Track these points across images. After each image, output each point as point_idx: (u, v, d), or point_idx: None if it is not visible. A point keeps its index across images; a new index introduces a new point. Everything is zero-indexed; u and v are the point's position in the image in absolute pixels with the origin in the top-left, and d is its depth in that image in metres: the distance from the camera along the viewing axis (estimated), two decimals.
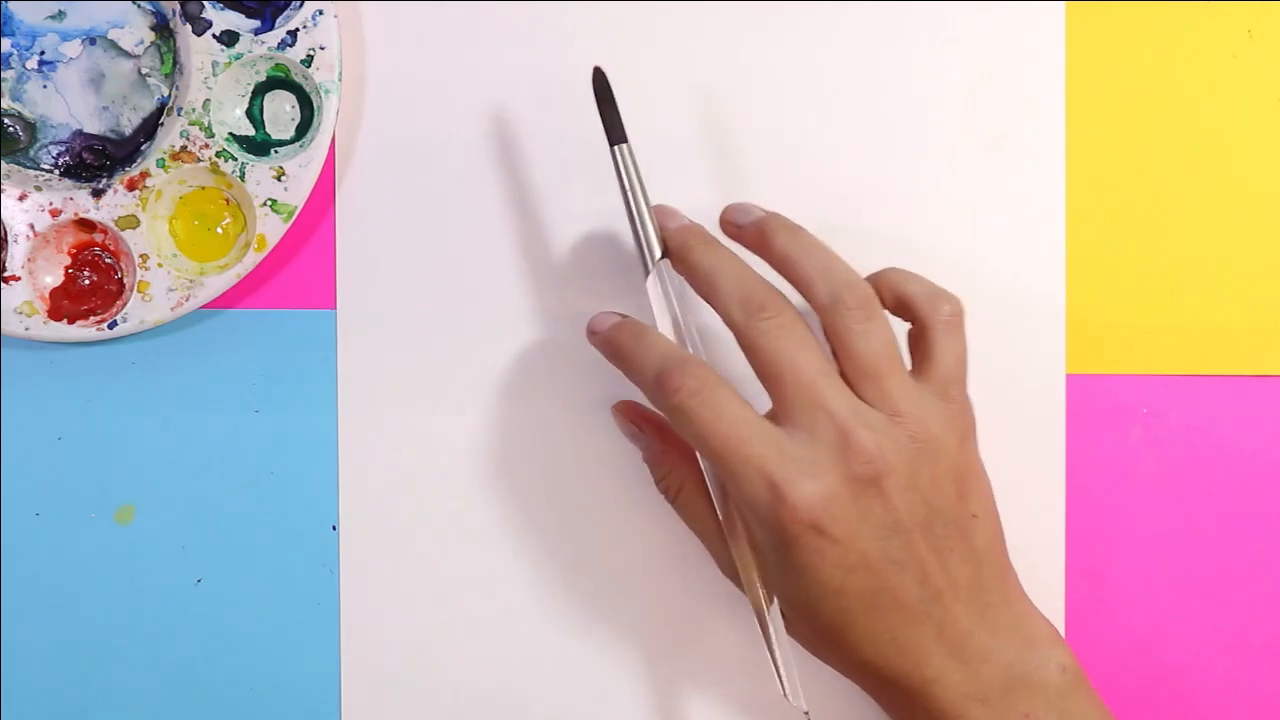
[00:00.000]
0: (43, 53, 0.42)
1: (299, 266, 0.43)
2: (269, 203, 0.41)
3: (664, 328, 0.39)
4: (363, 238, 0.43)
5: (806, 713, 0.38)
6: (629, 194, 0.39)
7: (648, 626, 0.43)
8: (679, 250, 0.39)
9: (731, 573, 0.40)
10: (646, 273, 0.39)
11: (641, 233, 0.39)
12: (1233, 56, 0.43)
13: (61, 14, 0.42)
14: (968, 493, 0.38)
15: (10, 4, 0.42)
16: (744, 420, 0.36)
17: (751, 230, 0.39)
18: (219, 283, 0.41)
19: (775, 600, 0.38)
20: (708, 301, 0.38)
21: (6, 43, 0.42)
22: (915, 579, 0.36)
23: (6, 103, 0.42)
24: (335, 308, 0.43)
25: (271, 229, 0.41)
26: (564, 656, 0.43)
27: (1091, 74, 0.43)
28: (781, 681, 0.38)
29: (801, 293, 0.38)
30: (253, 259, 0.41)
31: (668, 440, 0.41)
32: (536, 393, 0.43)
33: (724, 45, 0.43)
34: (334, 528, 0.43)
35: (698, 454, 0.39)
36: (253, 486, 0.43)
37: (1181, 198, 0.43)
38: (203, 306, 0.42)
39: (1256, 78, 0.43)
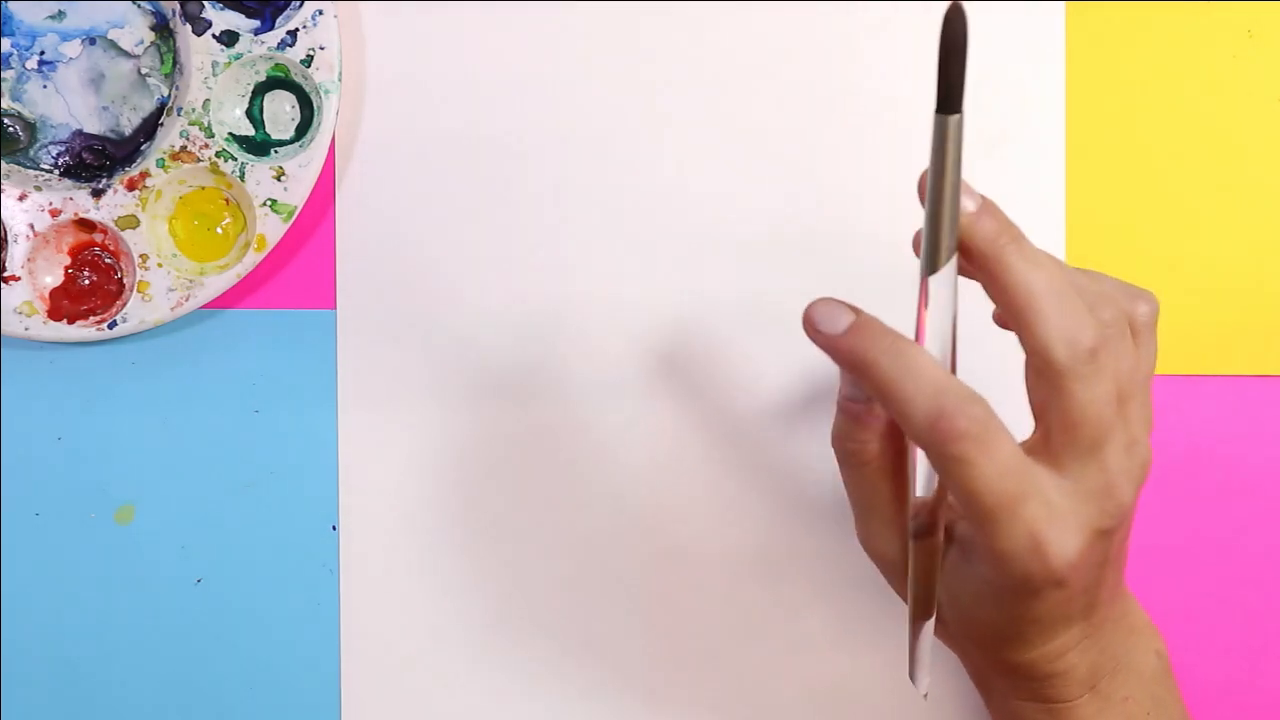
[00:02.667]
0: (43, 53, 0.42)
1: (299, 266, 0.43)
2: (269, 203, 0.41)
3: (934, 342, 0.33)
4: (363, 238, 0.43)
5: (925, 695, 0.37)
6: (945, 174, 0.32)
7: (648, 628, 0.43)
8: (991, 250, 0.32)
9: (877, 549, 0.36)
10: (929, 270, 0.32)
11: (946, 222, 0.32)
12: (1233, 56, 0.43)
13: (61, 14, 0.42)
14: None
15: (10, 4, 0.42)
16: (1018, 471, 0.32)
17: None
18: (219, 283, 0.41)
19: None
20: (1015, 321, 0.33)
21: (6, 43, 0.42)
22: (1090, 590, 0.35)
23: (6, 103, 0.42)
24: (335, 308, 0.43)
25: (271, 229, 0.41)
26: (563, 657, 0.43)
27: (1091, 74, 0.43)
28: (916, 673, 0.36)
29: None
30: (253, 259, 0.41)
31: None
32: (536, 393, 0.43)
33: (723, 46, 0.43)
34: (334, 528, 0.43)
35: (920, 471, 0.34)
36: (253, 486, 0.43)
37: (1181, 198, 0.43)
38: (203, 306, 0.42)
39: (1256, 78, 0.43)
